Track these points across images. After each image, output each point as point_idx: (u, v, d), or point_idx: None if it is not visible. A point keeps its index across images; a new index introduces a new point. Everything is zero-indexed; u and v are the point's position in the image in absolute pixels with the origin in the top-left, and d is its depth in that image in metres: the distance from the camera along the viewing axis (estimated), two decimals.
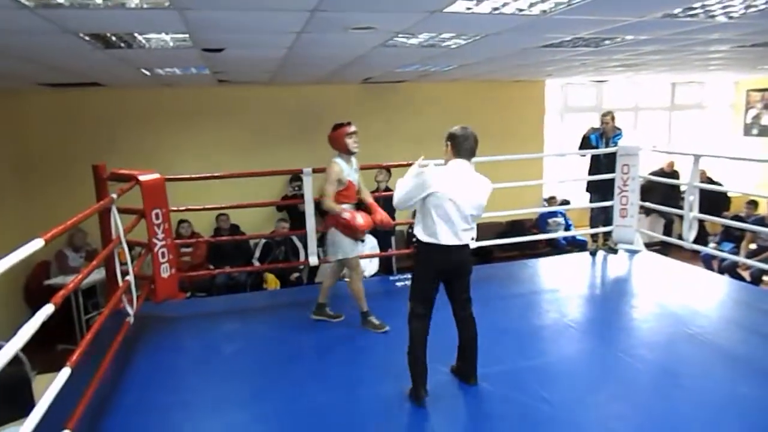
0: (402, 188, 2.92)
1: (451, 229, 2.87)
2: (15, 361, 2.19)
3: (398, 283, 5.28)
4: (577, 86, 9.11)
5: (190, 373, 3.53)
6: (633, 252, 5.83)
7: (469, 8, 2.79)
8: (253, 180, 6.18)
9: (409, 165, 4.99)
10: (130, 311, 3.83)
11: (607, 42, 4.22)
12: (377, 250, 6.24)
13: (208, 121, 7.30)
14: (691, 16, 3.21)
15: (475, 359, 3.12)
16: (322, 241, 6.70)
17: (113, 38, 3.23)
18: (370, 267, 6.21)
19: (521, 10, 2.89)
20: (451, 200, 2.84)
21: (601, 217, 5.95)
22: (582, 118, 8.81)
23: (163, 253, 4.21)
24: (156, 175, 4.17)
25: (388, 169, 6.66)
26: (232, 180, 5.97)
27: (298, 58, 4.43)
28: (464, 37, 3.85)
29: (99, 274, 4.94)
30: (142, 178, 4.04)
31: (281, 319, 4.46)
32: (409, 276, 5.38)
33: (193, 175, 5.12)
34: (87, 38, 3.14)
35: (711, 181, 8.15)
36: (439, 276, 3.01)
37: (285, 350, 3.78)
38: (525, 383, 3.06)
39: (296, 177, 7.17)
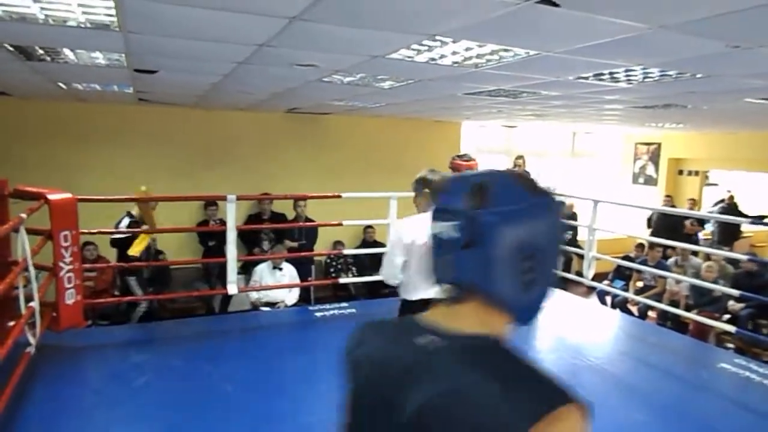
0: (384, 261, 2.77)
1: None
2: None
3: (317, 314, 5.26)
4: (490, 129, 9.71)
5: (98, 409, 3.29)
6: None
7: (409, 56, 2.96)
8: (169, 204, 5.96)
9: (333, 197, 5.09)
10: (32, 341, 3.52)
11: (524, 94, 4.61)
12: (297, 280, 6.17)
13: (123, 140, 6.93)
14: (599, 79, 3.63)
15: None
16: (245, 270, 6.54)
17: (39, 51, 3.06)
18: (290, 297, 6.12)
19: (456, 63, 3.12)
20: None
21: None
22: (493, 160, 9.38)
23: (69, 278, 3.95)
24: (67, 195, 3.93)
25: (305, 198, 6.63)
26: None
27: (231, 86, 4.40)
28: (398, 80, 4.05)
29: None
30: (51, 197, 3.79)
31: (193, 349, 4.28)
32: (328, 306, 5.44)
33: (108, 197, 4.83)
34: (11, 49, 2.95)
35: None
36: None
37: (199, 383, 3.62)
38: None
39: (211, 203, 6.99)
